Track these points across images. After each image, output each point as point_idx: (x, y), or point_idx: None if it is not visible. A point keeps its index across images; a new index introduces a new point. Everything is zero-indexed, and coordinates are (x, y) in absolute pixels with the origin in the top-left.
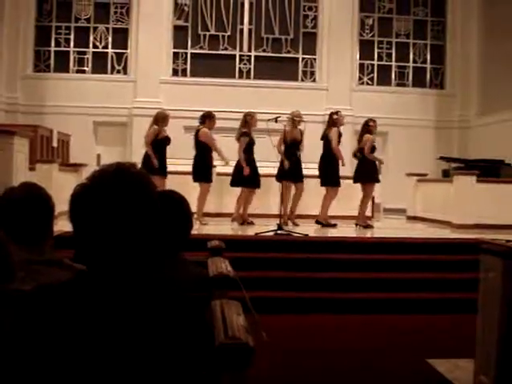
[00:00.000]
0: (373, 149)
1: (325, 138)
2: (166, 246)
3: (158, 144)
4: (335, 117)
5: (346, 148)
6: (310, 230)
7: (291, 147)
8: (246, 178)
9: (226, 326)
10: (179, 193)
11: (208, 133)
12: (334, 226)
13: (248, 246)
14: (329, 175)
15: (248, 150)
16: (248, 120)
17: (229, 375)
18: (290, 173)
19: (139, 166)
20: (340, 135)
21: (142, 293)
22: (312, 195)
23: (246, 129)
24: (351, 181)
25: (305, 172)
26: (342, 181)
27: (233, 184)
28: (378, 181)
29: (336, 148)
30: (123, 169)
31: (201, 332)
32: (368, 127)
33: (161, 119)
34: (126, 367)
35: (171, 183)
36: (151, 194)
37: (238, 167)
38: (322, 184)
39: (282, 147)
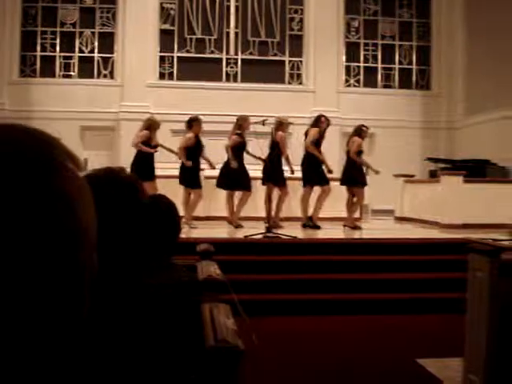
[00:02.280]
0: (360, 152)
1: (306, 136)
2: (155, 250)
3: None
4: (322, 119)
5: (334, 150)
6: (298, 232)
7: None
8: (239, 181)
9: (216, 330)
10: (167, 197)
11: (191, 138)
12: (318, 227)
13: (237, 249)
14: (313, 174)
15: (239, 152)
16: (241, 123)
17: (218, 378)
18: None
19: (128, 169)
20: (321, 137)
21: (131, 297)
22: (297, 197)
23: (240, 131)
24: (338, 182)
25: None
26: (330, 182)
27: (221, 186)
28: (364, 184)
29: (309, 145)
30: (113, 173)
31: (190, 336)
32: (360, 132)
33: (155, 126)
34: (114, 373)
35: (159, 187)
36: (141, 199)
37: (226, 169)
38: (306, 184)
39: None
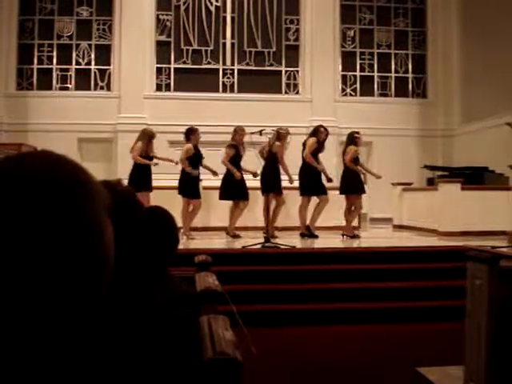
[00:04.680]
0: (356, 160)
1: (303, 146)
2: (153, 262)
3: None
4: (321, 129)
5: (331, 159)
6: (296, 241)
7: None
8: (236, 191)
9: (214, 342)
10: (164, 208)
11: (190, 149)
12: (316, 236)
13: (235, 260)
14: (310, 184)
15: (234, 163)
16: (233, 135)
17: None
18: (272, 185)
19: (125, 181)
20: (320, 148)
21: (129, 310)
22: (295, 207)
23: (234, 142)
24: (336, 191)
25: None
26: (328, 191)
27: (222, 197)
28: (362, 192)
29: (308, 156)
30: (110, 186)
31: (188, 348)
32: (353, 139)
33: (151, 137)
34: None
35: (156, 198)
36: (138, 212)
37: (226, 180)
38: (303, 194)
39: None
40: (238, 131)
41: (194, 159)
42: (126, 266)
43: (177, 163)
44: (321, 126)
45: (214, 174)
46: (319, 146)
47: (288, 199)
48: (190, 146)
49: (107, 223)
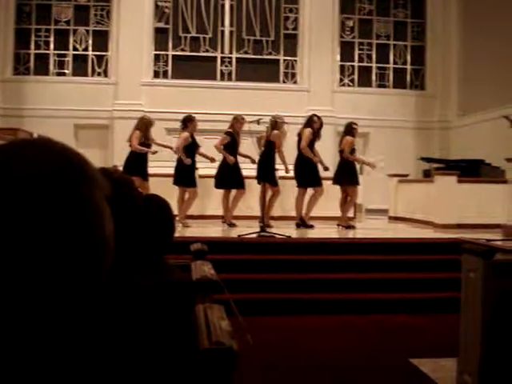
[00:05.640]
0: (353, 150)
1: (299, 136)
2: (149, 250)
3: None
4: (315, 119)
5: (328, 149)
6: (292, 231)
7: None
8: (232, 179)
9: (210, 331)
10: (161, 196)
11: (188, 137)
12: (312, 227)
13: (231, 249)
14: (306, 176)
15: (231, 151)
16: (232, 123)
17: (213, 380)
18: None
19: (120, 168)
20: (316, 136)
21: (123, 298)
22: (291, 197)
23: (230, 130)
24: (331, 182)
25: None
26: (323, 181)
27: (218, 186)
28: (357, 183)
29: (305, 148)
30: (107, 174)
31: (184, 337)
32: (351, 129)
33: (149, 125)
34: (104, 376)
35: (153, 186)
36: (135, 199)
37: (222, 168)
38: (300, 185)
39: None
40: (239, 119)
41: (190, 148)
42: (123, 254)
43: (175, 151)
44: (314, 115)
45: (212, 160)
46: (315, 136)
47: (283, 189)
48: (187, 134)
49: (108, 211)
